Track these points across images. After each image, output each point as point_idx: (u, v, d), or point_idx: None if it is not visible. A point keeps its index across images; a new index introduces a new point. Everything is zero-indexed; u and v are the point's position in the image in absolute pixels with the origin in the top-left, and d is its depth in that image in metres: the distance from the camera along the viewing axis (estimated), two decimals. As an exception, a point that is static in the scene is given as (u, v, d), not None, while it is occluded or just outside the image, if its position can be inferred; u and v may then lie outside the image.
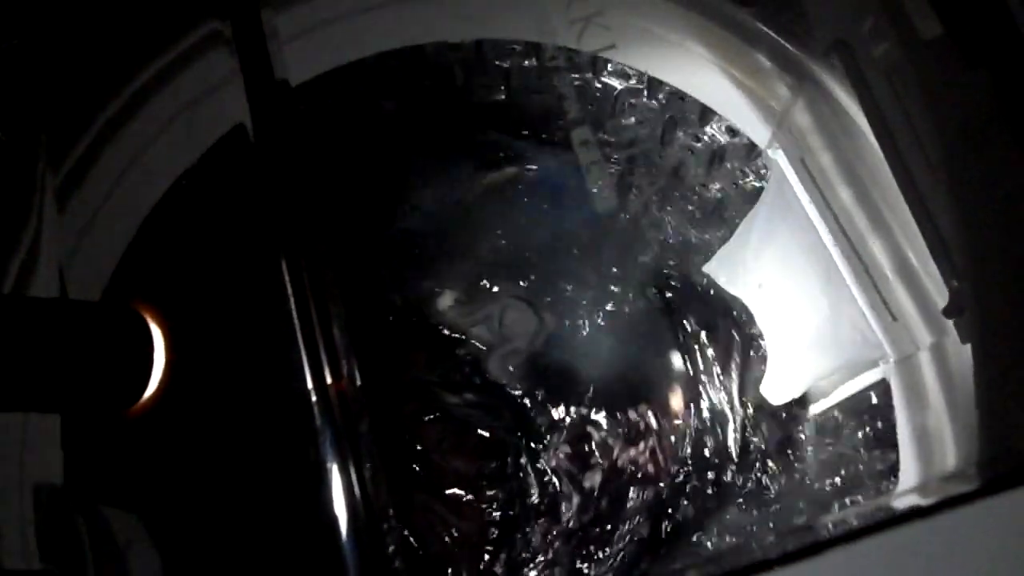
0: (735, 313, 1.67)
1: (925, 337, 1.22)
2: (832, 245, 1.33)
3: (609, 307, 1.69)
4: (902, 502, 1.11)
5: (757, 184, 1.56)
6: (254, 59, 1.04)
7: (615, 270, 1.70)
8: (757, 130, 1.44)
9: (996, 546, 0.77)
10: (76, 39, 1.17)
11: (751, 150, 1.50)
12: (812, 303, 1.45)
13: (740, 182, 1.60)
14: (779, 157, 1.41)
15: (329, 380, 0.91)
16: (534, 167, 1.67)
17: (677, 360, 1.68)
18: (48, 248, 1.09)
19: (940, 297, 1.12)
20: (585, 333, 1.68)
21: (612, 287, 1.70)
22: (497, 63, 1.47)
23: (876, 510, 1.04)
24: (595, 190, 1.45)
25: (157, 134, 1.21)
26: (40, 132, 1.12)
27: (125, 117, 1.19)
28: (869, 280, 1.28)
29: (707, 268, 1.65)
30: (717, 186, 1.63)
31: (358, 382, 0.99)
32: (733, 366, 1.66)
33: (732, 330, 1.68)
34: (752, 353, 1.67)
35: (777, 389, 1.62)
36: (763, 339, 1.63)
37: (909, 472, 1.19)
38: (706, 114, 1.49)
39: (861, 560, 0.76)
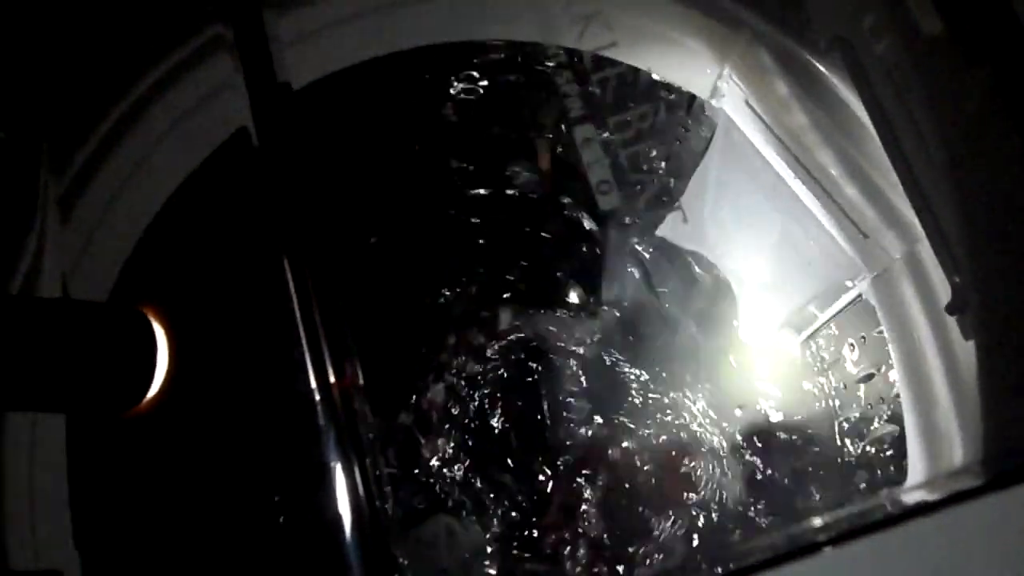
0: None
1: (897, 248, 1.22)
2: (792, 179, 1.33)
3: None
4: (910, 497, 1.11)
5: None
6: (256, 63, 1.05)
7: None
8: (697, 83, 1.43)
9: (1003, 541, 0.77)
10: (79, 45, 1.17)
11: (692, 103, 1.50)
12: (779, 241, 1.47)
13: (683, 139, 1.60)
14: (724, 105, 1.41)
15: (332, 379, 0.91)
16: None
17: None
18: (51, 254, 1.10)
19: (906, 208, 1.12)
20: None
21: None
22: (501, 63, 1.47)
23: (884, 505, 1.04)
24: (597, 187, 1.46)
25: (161, 138, 1.21)
26: (42, 140, 1.12)
27: (129, 122, 1.19)
28: (834, 204, 1.28)
29: (661, 231, 1.65)
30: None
31: (361, 381, 0.99)
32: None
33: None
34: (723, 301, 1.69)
35: (755, 328, 1.62)
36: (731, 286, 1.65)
37: (917, 467, 1.19)
38: (699, 105, 1.50)
39: (868, 556, 0.76)
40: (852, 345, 1.50)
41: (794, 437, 1.61)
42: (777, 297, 1.55)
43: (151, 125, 1.21)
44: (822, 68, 1.21)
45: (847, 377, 1.53)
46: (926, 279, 1.18)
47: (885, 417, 1.42)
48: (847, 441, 1.55)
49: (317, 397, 0.90)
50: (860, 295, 1.35)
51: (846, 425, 1.55)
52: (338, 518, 0.86)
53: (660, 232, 1.66)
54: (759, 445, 1.60)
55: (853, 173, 1.24)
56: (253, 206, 1.09)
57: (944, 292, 1.10)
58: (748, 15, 1.27)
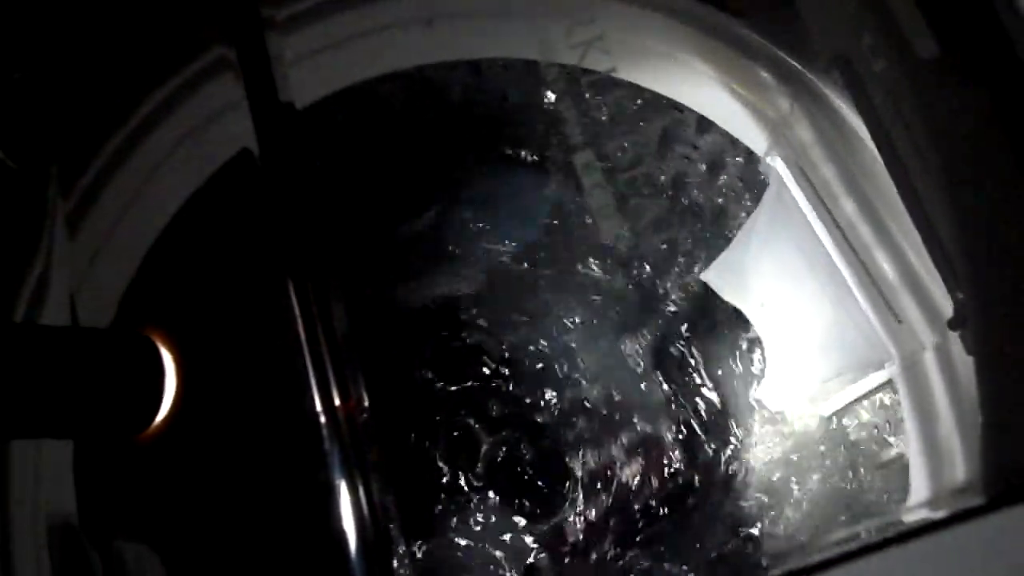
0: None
1: (930, 338, 1.22)
2: (834, 250, 1.33)
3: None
4: (912, 516, 1.11)
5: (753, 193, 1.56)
6: (259, 83, 1.06)
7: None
8: (754, 139, 1.44)
9: (1006, 560, 0.77)
10: (83, 68, 1.18)
11: (749, 158, 1.51)
12: (814, 308, 1.46)
13: (737, 192, 1.61)
14: (777, 164, 1.42)
15: (337, 402, 0.92)
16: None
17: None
18: (59, 275, 1.10)
19: (943, 299, 1.13)
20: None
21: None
22: (497, 85, 1.48)
23: (887, 525, 1.04)
24: (599, 214, 1.46)
25: (164, 159, 1.22)
26: (50, 162, 1.14)
27: (133, 143, 1.20)
28: (872, 284, 1.29)
29: (705, 276, 1.65)
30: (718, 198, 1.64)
31: (366, 403, 1.00)
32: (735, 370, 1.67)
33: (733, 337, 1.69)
34: (753, 361, 1.68)
35: (779, 394, 1.62)
36: (762, 346, 1.64)
37: (920, 485, 1.19)
38: (703, 124, 1.50)
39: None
40: (877, 429, 1.49)
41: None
42: (806, 367, 1.54)
43: (155, 145, 1.22)
44: (856, 125, 1.21)
45: (868, 460, 1.52)
46: (955, 373, 1.18)
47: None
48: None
49: (322, 419, 0.91)
50: (891, 379, 1.34)
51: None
52: (343, 539, 0.86)
53: (704, 276, 1.65)
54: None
55: (893, 256, 1.25)
56: (257, 226, 1.10)
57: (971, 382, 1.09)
58: (810, 76, 1.28)
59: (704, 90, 1.39)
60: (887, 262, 1.27)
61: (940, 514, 0.85)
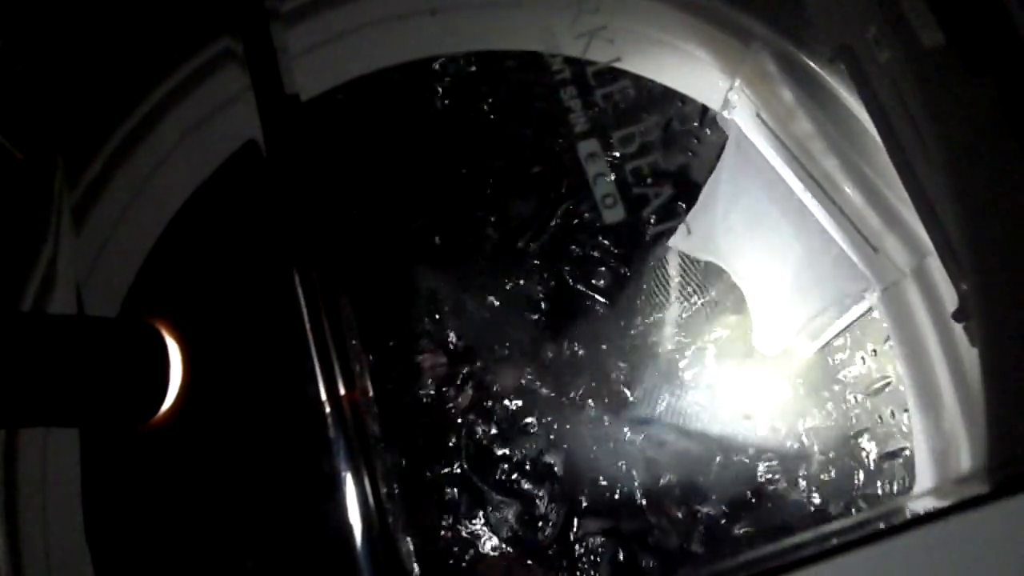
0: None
1: (907, 263, 1.23)
2: (802, 191, 1.33)
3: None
4: (917, 505, 1.11)
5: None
6: (265, 75, 1.06)
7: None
8: (708, 95, 1.44)
9: (1011, 548, 0.77)
10: (90, 58, 1.19)
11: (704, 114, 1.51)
12: (789, 250, 1.47)
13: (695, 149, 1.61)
14: (735, 116, 1.42)
15: (342, 391, 0.92)
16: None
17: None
18: (66, 265, 1.11)
19: (918, 225, 1.13)
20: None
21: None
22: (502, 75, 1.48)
23: (891, 513, 1.04)
24: (601, 202, 1.47)
25: (170, 151, 1.23)
26: (57, 152, 1.14)
27: (139, 135, 1.20)
28: (844, 217, 1.29)
29: (672, 242, 1.66)
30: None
31: (371, 392, 1.00)
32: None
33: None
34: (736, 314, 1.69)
35: (768, 339, 1.63)
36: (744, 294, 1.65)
37: (924, 474, 1.19)
38: (707, 115, 1.51)
39: (876, 564, 0.76)
40: (863, 358, 1.50)
41: (807, 444, 1.61)
42: (789, 307, 1.55)
43: (161, 137, 1.23)
44: (829, 78, 1.22)
45: (863, 385, 1.54)
46: (935, 293, 1.19)
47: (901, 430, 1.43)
48: (862, 452, 1.55)
49: (327, 408, 0.91)
50: (871, 308, 1.36)
51: (862, 438, 1.56)
52: (348, 529, 0.87)
53: (671, 243, 1.66)
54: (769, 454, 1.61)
55: (862, 185, 1.25)
56: (263, 217, 1.10)
57: (952, 305, 1.10)
58: (758, 27, 1.29)
59: (707, 79, 1.39)
60: (856, 192, 1.27)
61: (945, 503, 0.85)
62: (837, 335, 1.55)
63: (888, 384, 1.48)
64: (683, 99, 1.50)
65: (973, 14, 0.89)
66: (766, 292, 1.61)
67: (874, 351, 1.49)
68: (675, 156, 1.65)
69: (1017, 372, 0.97)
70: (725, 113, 1.44)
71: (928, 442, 1.19)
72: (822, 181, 1.29)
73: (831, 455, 1.58)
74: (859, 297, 1.39)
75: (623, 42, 1.34)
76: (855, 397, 1.56)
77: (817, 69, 1.24)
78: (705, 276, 1.70)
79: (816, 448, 1.59)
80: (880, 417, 1.52)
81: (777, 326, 1.61)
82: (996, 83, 0.88)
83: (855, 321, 1.47)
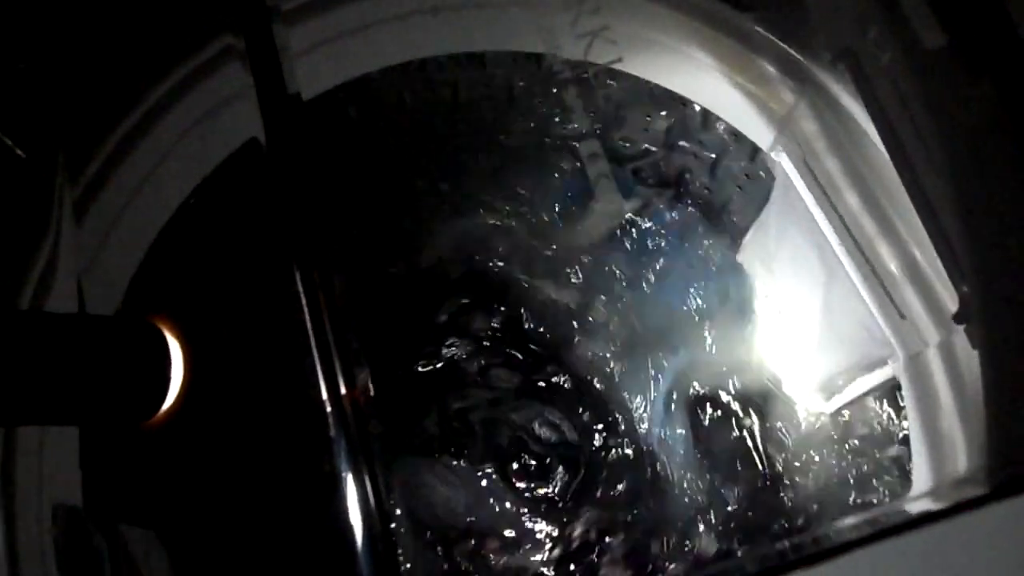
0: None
1: (933, 335, 1.22)
2: (838, 245, 1.34)
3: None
4: (914, 507, 1.11)
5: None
6: (267, 73, 1.05)
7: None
8: (760, 133, 1.44)
9: (1008, 550, 0.77)
10: (92, 56, 1.18)
11: (754, 153, 1.52)
12: (822, 302, 1.46)
13: (743, 185, 1.61)
14: (782, 159, 1.42)
15: (343, 390, 0.92)
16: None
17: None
18: (66, 261, 1.11)
19: (948, 295, 1.13)
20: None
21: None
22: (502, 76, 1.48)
23: (889, 515, 1.04)
24: (602, 201, 1.47)
25: (172, 148, 1.22)
26: (58, 149, 1.14)
27: (141, 131, 1.20)
28: (876, 280, 1.29)
29: (741, 257, 1.66)
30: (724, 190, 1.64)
31: (371, 391, 1.00)
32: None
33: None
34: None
35: (790, 386, 1.63)
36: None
37: (922, 476, 1.19)
38: (708, 119, 1.50)
39: (874, 566, 0.76)
40: (880, 425, 1.50)
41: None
42: (812, 361, 1.55)
43: (163, 135, 1.23)
44: (871, 130, 1.20)
45: (873, 454, 1.53)
46: (958, 370, 1.18)
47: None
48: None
49: (328, 408, 0.91)
50: (894, 376, 1.35)
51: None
52: (348, 528, 0.87)
53: (740, 258, 1.66)
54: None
55: (898, 253, 1.25)
56: (264, 216, 1.10)
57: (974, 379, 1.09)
58: (815, 70, 1.28)
59: (709, 83, 1.39)
60: (890, 257, 1.27)
61: (942, 504, 0.85)
62: (855, 399, 1.53)
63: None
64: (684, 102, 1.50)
65: (974, 15, 0.89)
66: (793, 342, 1.60)
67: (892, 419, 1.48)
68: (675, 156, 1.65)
69: (1016, 374, 0.97)
70: (773, 154, 1.44)
71: (925, 444, 1.19)
72: (858, 237, 1.29)
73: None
74: (882, 363, 1.37)
75: (626, 43, 1.34)
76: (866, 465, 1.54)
77: (861, 121, 1.23)
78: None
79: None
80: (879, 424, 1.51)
81: (797, 379, 1.60)
82: (996, 83, 0.88)
83: (874, 389, 1.44)
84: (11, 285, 1.05)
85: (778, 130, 1.39)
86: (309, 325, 0.94)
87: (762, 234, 1.57)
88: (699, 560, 1.49)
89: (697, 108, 1.49)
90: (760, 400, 1.66)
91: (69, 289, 1.10)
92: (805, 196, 1.37)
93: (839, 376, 1.50)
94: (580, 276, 1.70)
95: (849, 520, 1.35)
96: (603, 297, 1.69)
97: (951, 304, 1.11)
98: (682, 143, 1.60)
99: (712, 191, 1.66)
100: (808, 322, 1.51)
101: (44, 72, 1.14)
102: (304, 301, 0.95)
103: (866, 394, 1.48)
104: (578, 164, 1.50)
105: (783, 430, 1.63)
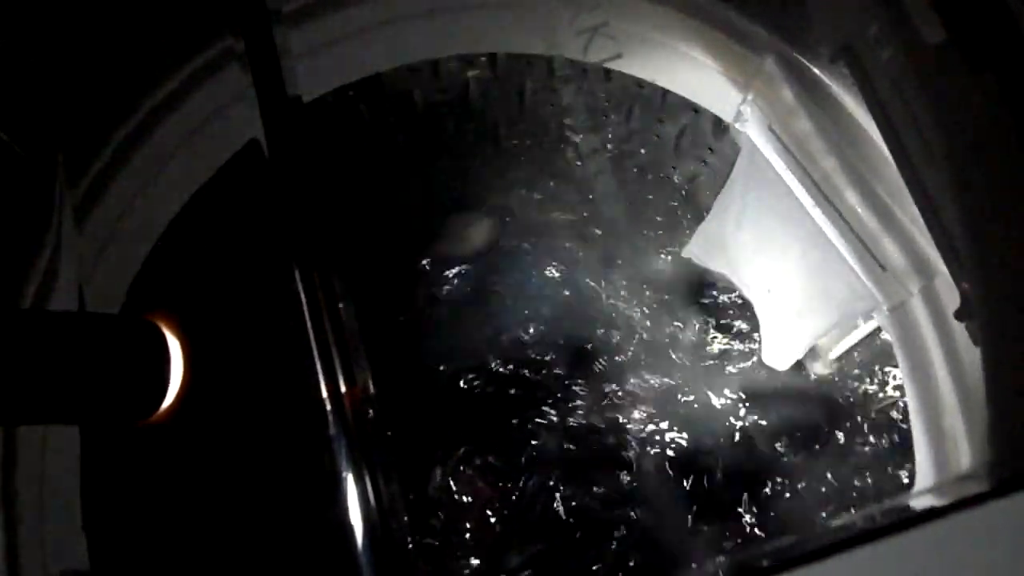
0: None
1: (915, 282, 1.23)
2: (812, 207, 1.33)
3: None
4: (918, 503, 1.11)
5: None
6: (267, 76, 1.06)
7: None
8: (721, 105, 1.44)
9: (1010, 545, 0.77)
10: (91, 58, 1.19)
11: (717, 126, 1.51)
12: (798, 267, 1.47)
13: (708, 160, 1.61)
14: (747, 129, 1.42)
15: (343, 388, 0.92)
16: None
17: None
18: (67, 263, 1.11)
19: (926, 241, 1.13)
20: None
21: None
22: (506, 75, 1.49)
23: (892, 511, 1.04)
24: (602, 197, 1.47)
25: (173, 150, 1.23)
26: (57, 151, 1.14)
27: (142, 133, 1.21)
28: (854, 235, 1.29)
29: (686, 252, 1.66)
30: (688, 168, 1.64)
31: (371, 390, 1.00)
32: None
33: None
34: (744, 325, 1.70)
35: (777, 355, 1.63)
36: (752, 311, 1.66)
37: (925, 472, 1.19)
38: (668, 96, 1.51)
39: (878, 561, 0.76)
40: (871, 376, 1.50)
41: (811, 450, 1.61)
42: (798, 323, 1.55)
43: (164, 137, 1.23)
44: (844, 96, 1.21)
45: (869, 406, 1.53)
46: (942, 314, 1.18)
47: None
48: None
49: (328, 407, 0.91)
50: (879, 327, 1.35)
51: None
52: (349, 526, 0.87)
53: (685, 253, 1.67)
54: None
55: (873, 205, 1.25)
56: (264, 216, 1.11)
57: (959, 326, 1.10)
58: (771, 39, 1.28)
59: (706, 80, 1.39)
60: (866, 211, 1.26)
61: (945, 500, 0.85)
62: (844, 353, 1.54)
63: (894, 405, 1.48)
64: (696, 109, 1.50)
65: (975, 10, 0.89)
66: (776, 307, 1.60)
67: (883, 369, 1.49)
68: (684, 161, 1.65)
69: (1018, 370, 0.96)
70: (738, 125, 1.43)
71: (927, 440, 1.19)
72: (833, 198, 1.29)
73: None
74: (867, 316, 1.38)
75: (625, 40, 1.34)
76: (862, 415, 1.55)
77: (831, 84, 1.24)
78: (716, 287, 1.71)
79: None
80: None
81: (786, 341, 1.61)
82: (998, 79, 0.88)
83: (861, 341, 1.46)
84: (13, 285, 1.05)
85: (741, 99, 1.39)
86: (309, 323, 0.94)
87: (719, 216, 1.57)
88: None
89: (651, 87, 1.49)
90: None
91: (70, 290, 1.10)
92: (775, 161, 1.37)
93: (824, 336, 1.51)
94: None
95: (852, 516, 1.35)
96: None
97: (930, 250, 1.11)
98: (696, 147, 1.61)
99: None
100: (784, 293, 1.52)
101: (44, 74, 1.15)
102: (304, 300, 0.95)
103: (852, 348, 1.51)
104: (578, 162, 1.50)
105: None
